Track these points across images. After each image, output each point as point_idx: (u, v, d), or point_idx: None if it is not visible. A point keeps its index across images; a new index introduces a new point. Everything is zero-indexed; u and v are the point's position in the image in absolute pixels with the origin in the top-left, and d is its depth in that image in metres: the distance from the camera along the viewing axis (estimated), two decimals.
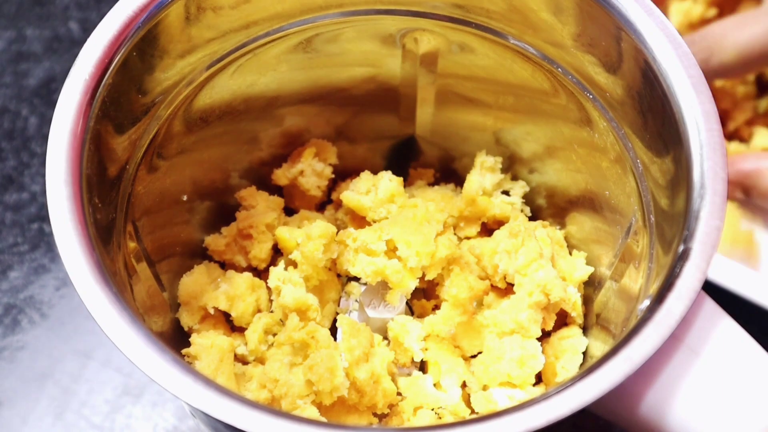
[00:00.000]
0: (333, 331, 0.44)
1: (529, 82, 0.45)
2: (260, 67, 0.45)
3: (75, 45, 0.61)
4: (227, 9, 0.41)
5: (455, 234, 0.46)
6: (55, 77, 0.60)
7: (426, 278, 0.43)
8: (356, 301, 0.45)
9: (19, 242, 0.55)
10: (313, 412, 0.38)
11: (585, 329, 0.45)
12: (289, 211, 0.49)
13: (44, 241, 0.55)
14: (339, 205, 0.49)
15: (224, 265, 0.47)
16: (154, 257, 0.43)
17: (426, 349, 0.43)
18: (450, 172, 0.52)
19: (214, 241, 0.46)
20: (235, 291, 0.43)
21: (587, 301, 0.45)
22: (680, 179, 0.36)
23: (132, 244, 0.40)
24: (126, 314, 0.32)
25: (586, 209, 0.46)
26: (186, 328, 0.44)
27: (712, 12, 0.64)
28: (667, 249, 0.36)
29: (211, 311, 0.43)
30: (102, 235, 0.36)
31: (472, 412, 0.42)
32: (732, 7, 0.64)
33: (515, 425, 0.30)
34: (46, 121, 0.59)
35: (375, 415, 0.41)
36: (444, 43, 0.45)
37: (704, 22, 0.63)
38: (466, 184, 0.47)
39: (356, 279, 0.46)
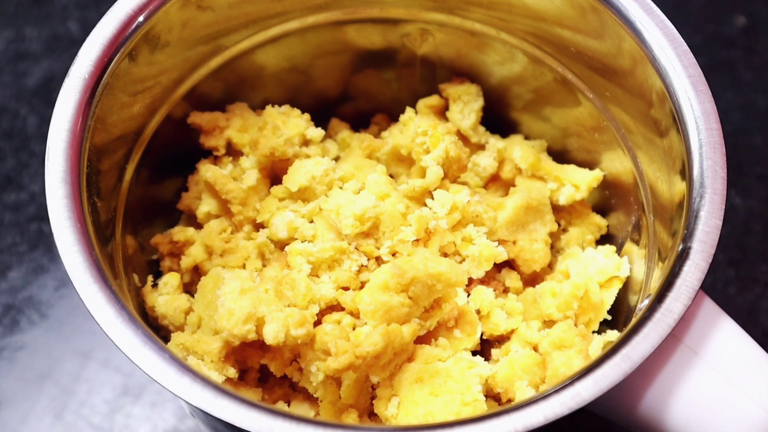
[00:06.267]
0: None
1: (529, 80, 0.45)
2: (257, 67, 0.45)
3: (74, 44, 0.61)
4: (226, 8, 0.41)
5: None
6: (54, 76, 0.60)
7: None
8: None
9: (18, 242, 0.55)
10: None
11: None
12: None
13: (43, 241, 0.55)
14: None
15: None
16: (153, 255, 0.43)
17: None
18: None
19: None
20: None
21: None
22: (680, 178, 0.36)
23: (131, 243, 0.40)
24: (125, 313, 0.32)
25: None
26: None
27: None
28: (666, 248, 0.36)
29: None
30: (101, 234, 0.36)
31: None
32: None
33: (515, 424, 0.30)
34: (45, 121, 0.58)
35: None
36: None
37: None
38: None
39: None
